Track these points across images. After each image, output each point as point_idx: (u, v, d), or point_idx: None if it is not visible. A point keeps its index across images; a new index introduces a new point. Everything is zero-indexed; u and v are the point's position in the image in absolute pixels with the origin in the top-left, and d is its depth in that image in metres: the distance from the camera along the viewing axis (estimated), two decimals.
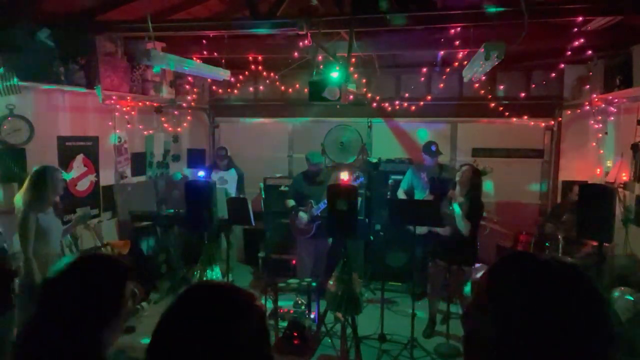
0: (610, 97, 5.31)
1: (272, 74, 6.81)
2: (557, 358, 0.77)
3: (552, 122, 6.57)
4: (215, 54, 5.81)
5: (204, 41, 5.70)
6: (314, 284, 4.99)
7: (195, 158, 7.75)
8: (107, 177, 6.03)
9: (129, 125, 6.36)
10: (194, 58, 5.63)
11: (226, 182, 6.41)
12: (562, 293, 0.80)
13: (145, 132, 6.79)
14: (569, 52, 5.22)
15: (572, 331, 0.78)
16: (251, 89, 7.21)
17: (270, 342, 1.10)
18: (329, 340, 4.60)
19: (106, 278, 1.45)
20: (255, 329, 1.04)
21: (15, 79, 4.20)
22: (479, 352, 0.87)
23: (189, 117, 7.64)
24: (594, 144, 5.98)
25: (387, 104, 6.79)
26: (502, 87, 6.53)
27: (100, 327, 1.39)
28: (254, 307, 1.07)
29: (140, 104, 6.38)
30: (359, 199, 5.12)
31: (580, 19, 4.33)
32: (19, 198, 3.72)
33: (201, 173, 5.40)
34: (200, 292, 1.10)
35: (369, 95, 6.80)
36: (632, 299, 3.95)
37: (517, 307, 0.80)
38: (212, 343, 0.97)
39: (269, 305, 5.03)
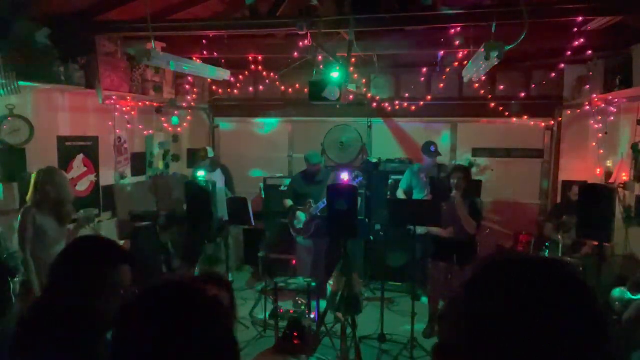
0: (610, 97, 5.30)
1: (272, 74, 6.80)
2: None
3: (552, 122, 6.56)
4: (215, 54, 5.81)
5: (204, 41, 5.69)
6: (313, 284, 4.99)
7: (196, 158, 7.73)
8: (107, 177, 6.03)
9: (129, 125, 6.36)
10: (194, 58, 5.63)
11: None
12: (546, 297, 0.74)
13: (145, 132, 6.79)
14: (569, 52, 5.22)
15: (559, 337, 0.72)
16: (251, 89, 7.21)
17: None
18: (329, 340, 4.60)
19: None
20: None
21: (15, 79, 4.20)
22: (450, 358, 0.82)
23: (189, 117, 7.63)
24: (594, 144, 5.97)
25: (387, 104, 6.79)
26: (502, 87, 6.53)
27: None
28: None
29: (140, 104, 6.38)
30: (359, 199, 5.12)
31: (580, 19, 4.33)
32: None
33: (201, 173, 5.39)
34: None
35: (369, 95, 6.80)
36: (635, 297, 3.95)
37: (494, 314, 0.75)
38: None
39: (269, 305, 5.04)
